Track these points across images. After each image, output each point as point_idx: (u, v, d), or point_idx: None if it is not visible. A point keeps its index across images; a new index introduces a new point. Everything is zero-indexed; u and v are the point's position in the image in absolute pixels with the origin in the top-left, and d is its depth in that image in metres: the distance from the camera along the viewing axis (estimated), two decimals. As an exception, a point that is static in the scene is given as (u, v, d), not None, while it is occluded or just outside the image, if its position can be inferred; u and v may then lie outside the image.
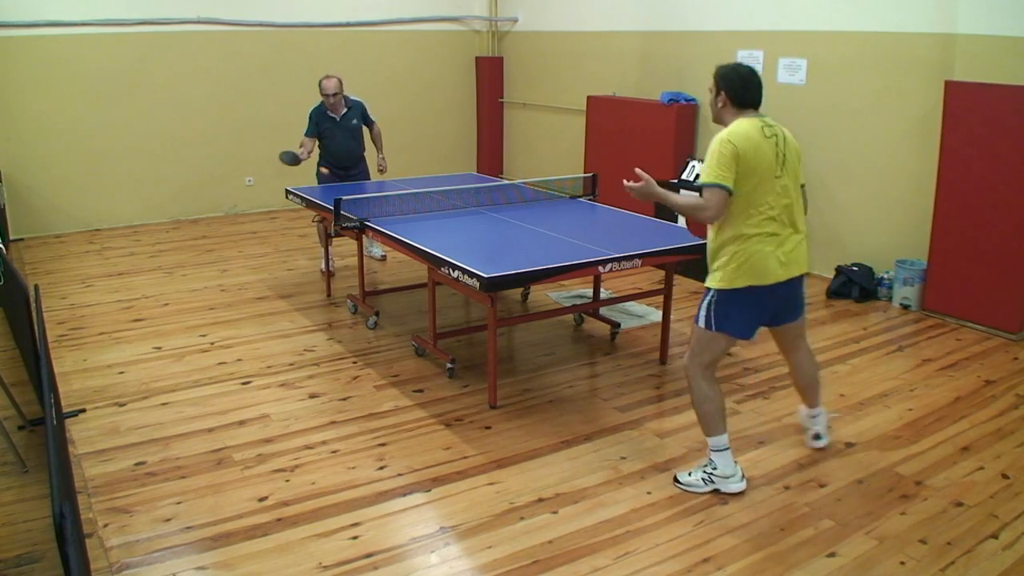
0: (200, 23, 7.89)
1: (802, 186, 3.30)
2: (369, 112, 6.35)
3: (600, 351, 4.93)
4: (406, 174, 7.30)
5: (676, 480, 3.40)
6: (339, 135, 6.14)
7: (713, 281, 3.22)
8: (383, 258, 6.69)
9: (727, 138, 3.05)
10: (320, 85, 6.04)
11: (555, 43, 8.84)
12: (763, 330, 3.37)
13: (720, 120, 3.24)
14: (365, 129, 6.34)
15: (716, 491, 3.31)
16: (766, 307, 3.25)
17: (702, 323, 3.25)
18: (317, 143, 6.17)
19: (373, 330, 5.16)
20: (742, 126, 3.10)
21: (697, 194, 3.14)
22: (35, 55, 7.22)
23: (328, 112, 6.07)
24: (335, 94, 5.99)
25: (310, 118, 6.11)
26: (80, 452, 3.61)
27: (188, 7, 7.80)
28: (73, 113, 7.49)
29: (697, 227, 3.49)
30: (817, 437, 3.69)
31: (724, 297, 3.19)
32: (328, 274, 5.93)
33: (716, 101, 3.23)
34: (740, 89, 3.16)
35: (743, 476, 3.35)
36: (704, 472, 3.33)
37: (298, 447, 3.69)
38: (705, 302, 3.25)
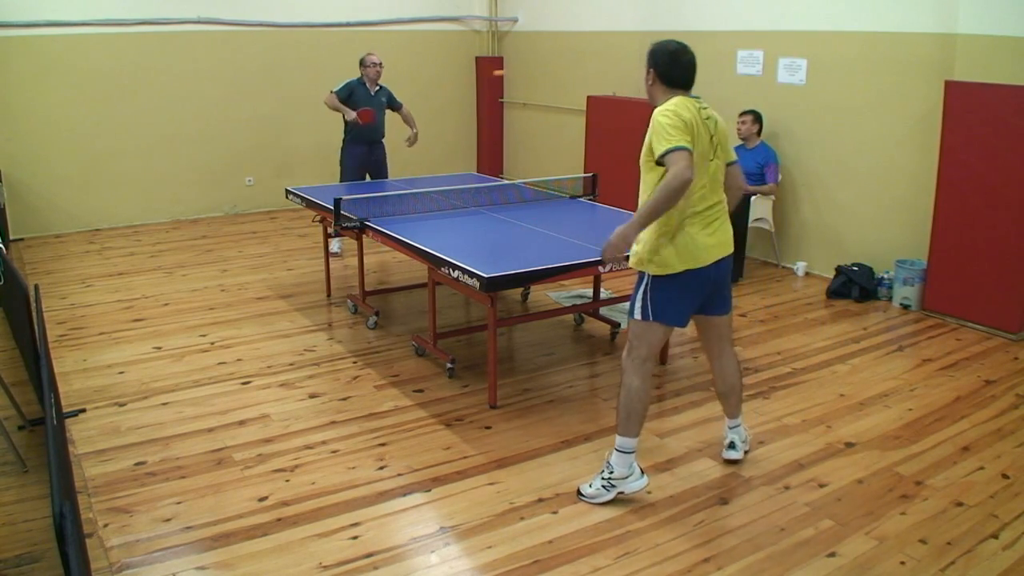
0: (200, 23, 7.89)
1: (732, 163, 3.25)
2: (395, 96, 6.91)
3: (600, 351, 4.93)
4: (406, 174, 7.30)
5: (579, 494, 3.26)
6: (371, 108, 6.62)
7: (649, 267, 3.09)
8: (338, 254, 6.82)
9: (670, 109, 2.94)
10: (363, 58, 6.66)
11: (555, 43, 8.84)
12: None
13: (652, 100, 3.17)
14: (390, 113, 6.89)
15: (620, 494, 3.21)
16: (700, 292, 3.16)
17: (638, 314, 3.13)
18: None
19: (373, 330, 5.16)
20: (678, 102, 2.99)
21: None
22: (35, 55, 7.22)
23: (365, 85, 6.65)
24: (379, 64, 6.67)
25: (347, 84, 6.65)
26: (80, 452, 3.61)
27: (188, 7, 7.80)
28: (73, 113, 7.49)
29: None
30: (732, 446, 3.52)
31: (661, 283, 3.09)
32: (336, 256, 6.29)
33: (646, 79, 3.15)
34: (667, 66, 3.07)
35: (642, 472, 3.25)
36: (602, 479, 3.22)
37: (298, 447, 3.69)
38: (640, 291, 3.13)
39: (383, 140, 6.88)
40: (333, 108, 6.61)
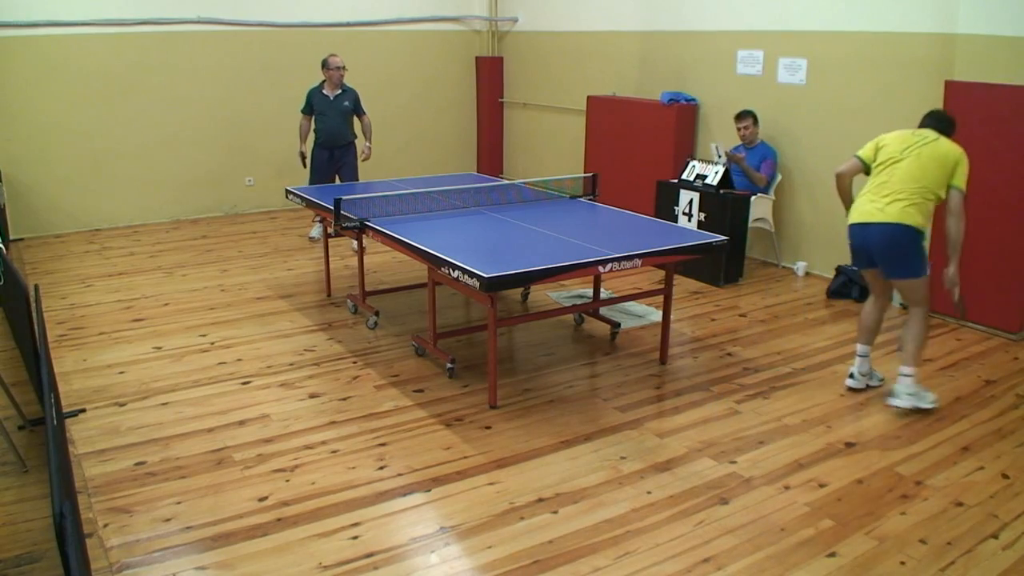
0: (200, 23, 7.89)
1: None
2: (361, 103, 6.89)
3: (600, 351, 4.93)
4: (406, 174, 7.31)
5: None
6: (329, 114, 6.72)
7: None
8: (314, 240, 6.99)
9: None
10: (326, 61, 6.63)
11: (555, 43, 8.84)
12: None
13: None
14: (356, 120, 6.92)
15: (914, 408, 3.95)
16: None
17: (927, 271, 4.02)
18: (312, 123, 6.85)
19: (373, 330, 5.16)
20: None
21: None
22: (35, 55, 7.22)
23: (323, 91, 6.67)
24: (342, 68, 6.62)
25: (307, 97, 6.77)
26: (80, 452, 3.61)
27: (188, 7, 7.80)
28: (73, 113, 7.49)
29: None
30: (851, 376, 4.35)
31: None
32: (315, 241, 6.40)
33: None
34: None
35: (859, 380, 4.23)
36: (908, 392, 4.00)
37: (298, 447, 3.69)
38: (917, 250, 3.97)
39: (352, 143, 6.93)
40: (299, 135, 6.82)
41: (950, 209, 3.93)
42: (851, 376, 4.33)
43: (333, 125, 6.76)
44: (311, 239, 6.91)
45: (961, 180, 3.93)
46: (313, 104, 6.75)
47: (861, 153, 4.14)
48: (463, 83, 9.70)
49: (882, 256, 4.04)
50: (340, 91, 6.67)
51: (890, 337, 5.14)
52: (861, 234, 4.08)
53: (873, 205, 4.00)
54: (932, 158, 3.94)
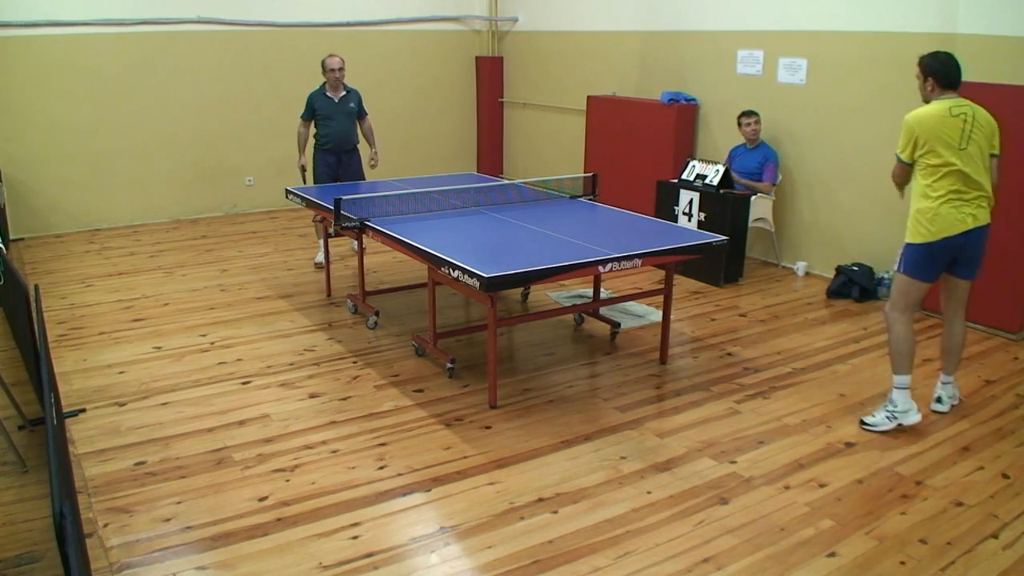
0: (200, 23, 7.89)
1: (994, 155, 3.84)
2: (363, 103, 6.55)
3: (600, 351, 4.93)
4: (406, 174, 7.30)
5: (863, 423, 3.88)
6: (336, 117, 6.37)
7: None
8: (320, 266, 6.48)
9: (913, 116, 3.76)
10: (324, 62, 6.28)
11: (555, 43, 8.84)
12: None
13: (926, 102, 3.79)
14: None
15: (899, 426, 3.80)
16: (946, 256, 3.86)
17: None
18: (312, 129, 6.45)
19: (373, 330, 5.16)
20: (932, 106, 3.74)
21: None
22: (35, 55, 7.22)
23: (326, 93, 6.32)
24: (340, 69, 6.27)
25: (308, 102, 6.37)
26: (80, 452, 3.61)
27: (188, 7, 7.80)
28: (73, 113, 7.49)
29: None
30: (939, 400, 4.07)
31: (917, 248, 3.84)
32: (322, 267, 5.99)
33: (925, 86, 3.76)
34: (944, 73, 3.70)
35: (918, 409, 3.83)
36: (886, 412, 3.83)
37: (298, 447, 3.69)
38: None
39: (356, 148, 6.54)
40: (298, 143, 6.42)
41: (994, 181, 3.79)
42: (938, 400, 4.08)
43: (340, 128, 6.37)
44: (317, 265, 6.59)
45: (998, 145, 3.79)
46: (316, 108, 6.31)
47: (903, 154, 3.80)
48: (463, 83, 9.70)
49: (970, 258, 3.85)
50: (344, 92, 6.35)
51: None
52: (960, 243, 3.75)
53: (964, 212, 3.71)
54: (983, 137, 3.70)
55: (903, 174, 3.85)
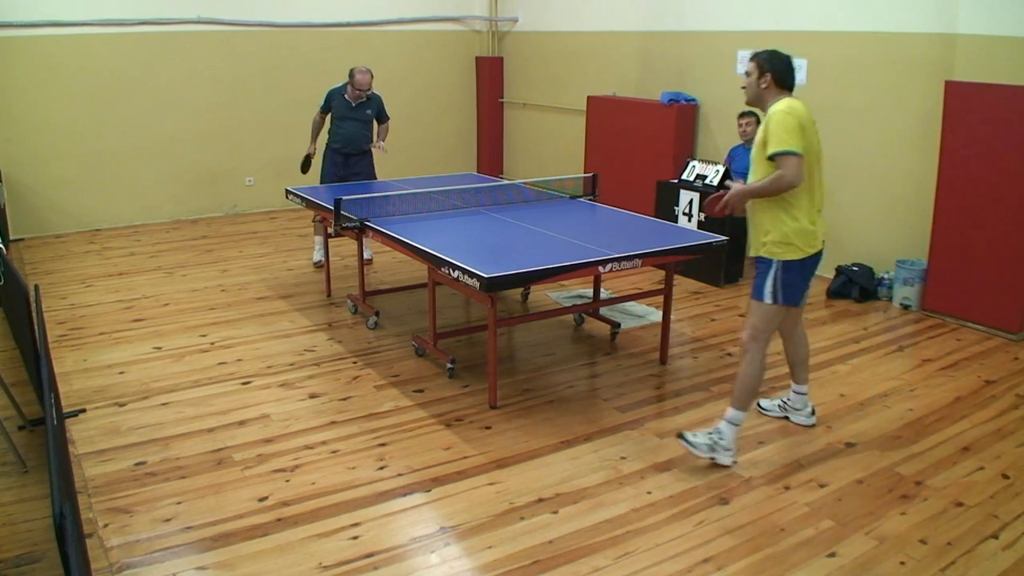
0: (200, 23, 7.89)
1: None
2: (385, 108, 6.53)
3: (600, 351, 4.93)
4: (406, 174, 7.30)
5: (681, 436, 3.58)
6: (349, 121, 6.35)
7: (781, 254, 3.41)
8: (369, 261, 6.62)
9: (783, 109, 3.27)
10: (353, 76, 6.21)
11: (555, 43, 8.84)
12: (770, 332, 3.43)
13: (761, 103, 3.47)
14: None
15: (712, 459, 3.53)
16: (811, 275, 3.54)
17: (768, 299, 3.43)
18: (327, 123, 6.46)
19: (373, 330, 5.16)
20: (791, 102, 3.32)
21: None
22: (35, 55, 7.22)
23: (345, 96, 6.30)
24: (368, 90, 6.25)
25: (327, 96, 6.36)
26: (80, 452, 3.61)
27: (188, 7, 7.80)
28: (73, 113, 7.49)
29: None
30: (813, 412, 3.90)
31: (790, 267, 3.41)
32: (321, 266, 5.97)
33: (759, 83, 3.45)
34: (784, 71, 3.41)
35: (735, 452, 3.54)
36: (710, 439, 3.52)
37: (298, 447, 3.69)
38: (769, 277, 3.42)
39: (368, 152, 6.52)
40: (311, 133, 6.45)
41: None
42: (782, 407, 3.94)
43: (351, 132, 6.35)
44: (316, 264, 6.59)
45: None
46: (332, 106, 6.32)
47: (797, 146, 3.22)
48: (463, 83, 9.70)
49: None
50: (364, 99, 6.32)
51: (890, 337, 5.14)
52: (818, 258, 3.46)
53: (820, 224, 3.43)
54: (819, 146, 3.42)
55: (802, 173, 3.23)
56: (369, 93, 6.32)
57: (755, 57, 3.47)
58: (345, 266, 6.51)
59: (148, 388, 4.30)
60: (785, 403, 3.95)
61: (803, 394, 3.89)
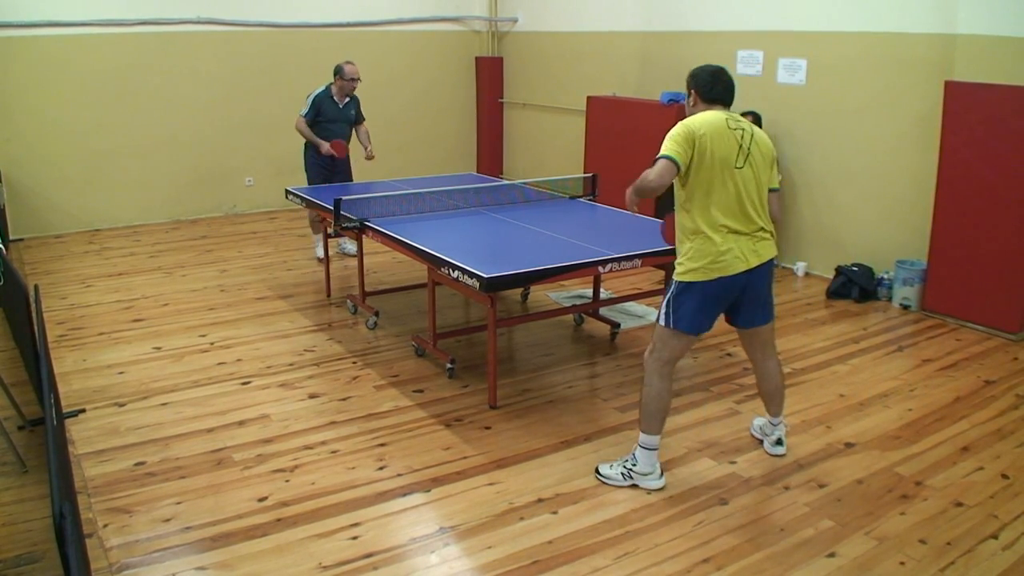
0: (200, 23, 7.89)
1: (773, 189, 3.30)
2: (361, 109, 6.58)
3: (600, 351, 4.93)
4: (406, 174, 7.30)
5: (597, 471, 3.44)
6: (338, 123, 6.38)
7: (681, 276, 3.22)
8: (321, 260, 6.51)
9: (685, 121, 3.17)
10: (343, 70, 6.24)
11: (555, 43, 8.84)
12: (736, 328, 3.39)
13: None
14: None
15: (634, 486, 3.36)
16: (724, 300, 3.26)
17: (662, 320, 3.28)
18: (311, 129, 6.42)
19: (373, 330, 5.16)
20: (703, 114, 3.20)
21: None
22: (35, 55, 7.22)
23: (333, 98, 6.31)
24: (358, 79, 6.25)
25: (313, 102, 6.33)
26: (80, 452, 3.61)
27: (188, 7, 7.79)
28: (73, 113, 7.49)
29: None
30: (779, 442, 3.62)
31: (686, 291, 3.21)
32: (322, 261, 5.99)
33: (688, 101, 3.34)
34: (707, 85, 3.26)
35: (662, 474, 3.38)
36: (623, 467, 3.38)
37: (298, 447, 3.69)
38: (666, 299, 3.27)
39: (347, 151, 6.53)
40: (306, 137, 6.34)
41: (776, 217, 3.30)
42: (779, 443, 3.65)
43: (339, 134, 6.39)
44: (318, 259, 6.59)
45: (776, 179, 3.31)
46: (321, 112, 6.27)
47: (678, 156, 3.07)
48: (463, 83, 9.70)
49: (756, 300, 3.29)
50: (348, 99, 6.39)
51: (890, 337, 5.14)
52: (741, 283, 3.18)
53: (743, 245, 3.14)
54: (763, 162, 3.20)
55: (666, 178, 3.07)
56: (351, 94, 6.37)
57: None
58: (345, 266, 6.51)
59: (148, 388, 4.30)
60: (762, 427, 3.72)
61: (776, 424, 3.62)
